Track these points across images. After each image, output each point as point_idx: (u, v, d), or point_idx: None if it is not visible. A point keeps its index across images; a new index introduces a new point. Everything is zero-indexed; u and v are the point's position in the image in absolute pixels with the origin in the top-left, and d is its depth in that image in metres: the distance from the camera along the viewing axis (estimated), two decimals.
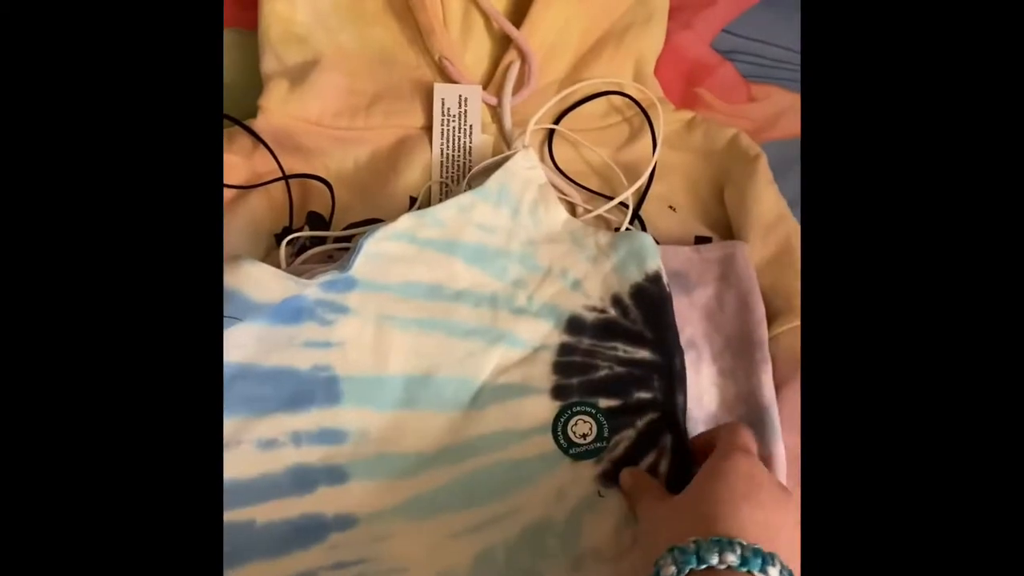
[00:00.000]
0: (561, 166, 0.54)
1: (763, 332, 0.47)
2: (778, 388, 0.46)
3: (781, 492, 0.37)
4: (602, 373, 0.45)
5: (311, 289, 0.43)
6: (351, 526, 0.41)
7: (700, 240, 0.53)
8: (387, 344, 0.44)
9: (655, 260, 0.46)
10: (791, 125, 0.58)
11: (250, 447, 0.41)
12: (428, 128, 0.54)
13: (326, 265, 0.46)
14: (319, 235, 0.50)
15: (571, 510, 0.42)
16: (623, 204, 0.52)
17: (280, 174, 0.51)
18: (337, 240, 0.50)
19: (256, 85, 0.54)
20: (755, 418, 0.45)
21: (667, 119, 0.55)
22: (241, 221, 0.50)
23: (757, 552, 0.33)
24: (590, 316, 0.46)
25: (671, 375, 0.45)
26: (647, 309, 0.46)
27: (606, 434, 0.44)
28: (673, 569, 0.33)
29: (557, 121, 0.55)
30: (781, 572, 0.33)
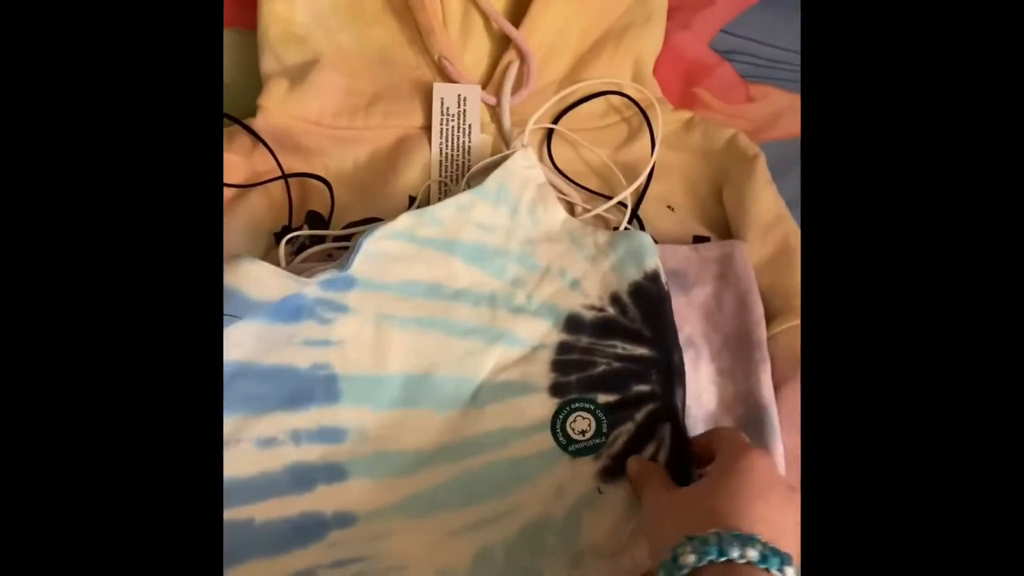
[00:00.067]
0: (560, 166, 0.54)
1: (762, 331, 0.47)
2: (777, 388, 0.46)
3: (790, 492, 0.37)
4: (600, 369, 0.45)
5: (310, 288, 0.43)
6: (350, 524, 0.41)
7: (698, 240, 0.53)
8: (386, 343, 0.44)
9: (653, 259, 0.47)
10: (789, 125, 0.58)
11: (249, 445, 0.41)
12: (427, 128, 0.54)
13: (325, 264, 0.46)
14: (318, 234, 0.50)
15: (570, 507, 0.42)
16: (622, 204, 0.52)
17: (279, 173, 0.51)
18: (336, 239, 0.50)
19: (255, 85, 0.54)
20: (754, 417, 0.45)
21: (666, 119, 0.55)
22: (240, 220, 0.50)
23: (775, 551, 0.32)
24: (589, 315, 0.46)
25: (669, 370, 0.45)
26: (645, 307, 0.46)
27: (605, 430, 0.44)
28: (693, 558, 0.33)
29: (556, 121, 0.55)
30: (797, 573, 0.32)
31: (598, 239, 0.48)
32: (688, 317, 0.48)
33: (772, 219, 0.52)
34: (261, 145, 0.51)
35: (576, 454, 0.44)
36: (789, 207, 0.52)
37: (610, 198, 0.52)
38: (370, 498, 0.42)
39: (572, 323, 0.46)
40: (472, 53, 0.56)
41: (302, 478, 0.41)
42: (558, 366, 0.45)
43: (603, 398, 0.45)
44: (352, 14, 0.55)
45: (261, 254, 0.50)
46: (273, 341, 0.42)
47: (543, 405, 0.44)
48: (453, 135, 0.53)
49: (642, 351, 0.45)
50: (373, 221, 0.51)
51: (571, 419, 0.44)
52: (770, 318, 0.49)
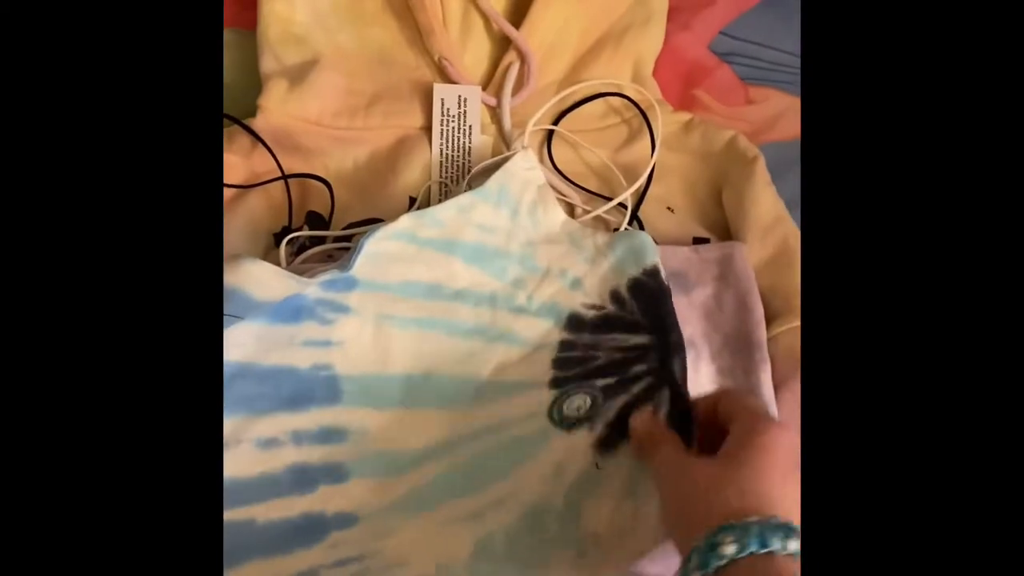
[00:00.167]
0: (560, 167, 0.54)
1: (762, 332, 0.48)
2: (777, 389, 0.46)
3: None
4: (600, 362, 0.45)
5: (311, 288, 0.43)
6: (352, 524, 0.41)
7: (698, 241, 0.53)
8: (387, 343, 0.44)
9: (653, 257, 0.46)
10: (789, 127, 0.58)
11: (250, 446, 0.41)
12: (427, 128, 0.54)
13: (326, 265, 0.46)
14: (318, 235, 0.50)
15: (568, 490, 0.42)
16: (622, 205, 0.52)
17: (279, 174, 0.51)
18: (336, 240, 0.50)
19: (255, 85, 0.54)
20: None
21: (665, 120, 0.55)
22: (240, 221, 0.50)
23: None
24: (589, 313, 0.46)
25: (668, 348, 0.44)
26: (645, 300, 0.46)
27: (600, 403, 0.43)
28: (734, 548, 0.31)
29: (556, 122, 0.55)
30: None
31: (598, 240, 0.48)
32: (688, 318, 0.48)
33: (771, 221, 0.52)
34: (260, 145, 0.51)
35: (570, 427, 0.43)
36: (788, 209, 0.53)
37: (610, 199, 0.52)
38: (371, 498, 0.42)
39: (573, 322, 0.46)
40: (472, 54, 0.56)
41: (303, 478, 0.41)
42: (559, 363, 0.45)
43: (601, 382, 0.44)
44: (352, 14, 0.55)
45: (261, 255, 0.50)
46: (273, 341, 0.42)
47: (542, 396, 0.44)
48: (453, 136, 0.53)
49: (640, 339, 0.45)
50: (373, 222, 0.51)
51: (568, 400, 0.44)
52: (770, 319, 0.49)
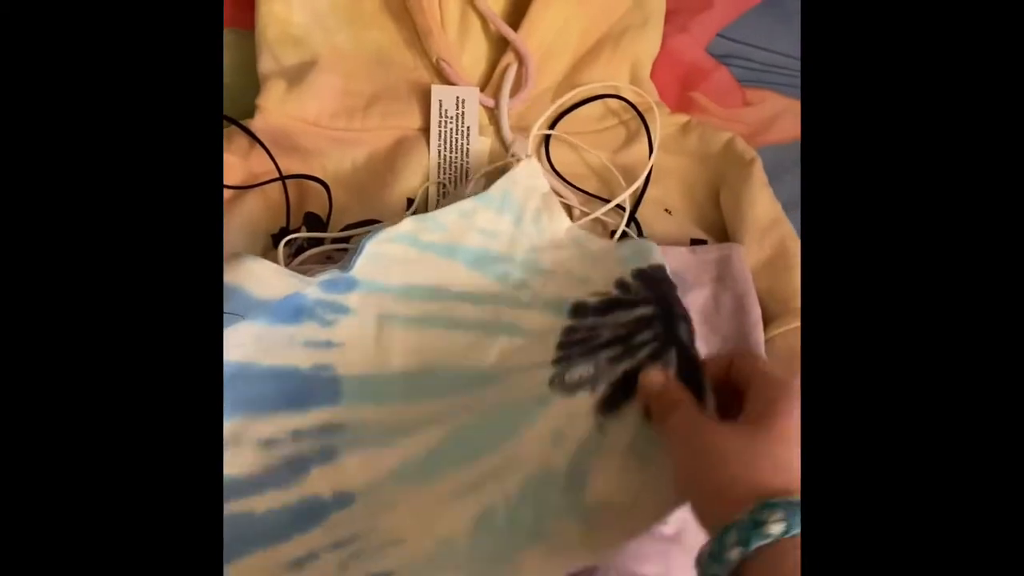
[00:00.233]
0: (558, 168, 0.54)
1: (759, 333, 0.48)
2: None
3: None
4: (604, 338, 0.43)
5: (311, 289, 0.43)
6: (350, 503, 0.40)
7: (696, 243, 0.53)
8: (388, 343, 0.44)
9: (660, 259, 0.45)
10: (786, 129, 0.58)
11: (251, 447, 0.41)
12: (425, 130, 0.54)
13: (325, 266, 0.46)
14: (316, 236, 0.50)
15: (572, 457, 0.40)
16: (619, 207, 0.53)
17: (277, 174, 0.51)
18: (334, 241, 0.50)
19: (253, 85, 0.54)
20: None
21: (663, 123, 0.55)
22: (238, 221, 0.50)
23: None
24: (593, 300, 0.45)
25: (672, 316, 0.42)
26: (648, 282, 0.44)
27: (604, 369, 0.41)
28: (781, 527, 0.29)
29: (554, 124, 0.55)
30: None
31: (604, 245, 0.48)
32: None
33: (769, 223, 0.52)
34: (258, 146, 0.51)
35: (571, 390, 0.41)
36: (785, 210, 0.53)
37: (608, 201, 0.52)
38: (365, 472, 0.41)
39: (577, 310, 0.45)
40: (470, 55, 0.56)
41: (296, 465, 0.41)
42: (564, 345, 0.44)
43: (605, 353, 0.42)
44: (350, 15, 0.55)
45: (258, 255, 0.50)
46: (273, 342, 0.42)
47: (544, 373, 0.42)
48: (451, 137, 0.53)
49: (645, 311, 0.43)
50: (371, 223, 0.51)
51: (570, 371, 0.42)
52: (767, 321, 0.49)
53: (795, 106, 0.59)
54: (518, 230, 0.47)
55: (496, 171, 0.49)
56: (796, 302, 0.50)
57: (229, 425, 0.41)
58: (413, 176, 0.52)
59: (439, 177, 0.53)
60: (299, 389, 0.42)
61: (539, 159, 0.55)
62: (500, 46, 0.56)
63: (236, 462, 0.40)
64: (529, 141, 0.52)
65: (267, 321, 0.42)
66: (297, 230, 0.51)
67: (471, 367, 0.44)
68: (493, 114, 0.55)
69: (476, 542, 0.39)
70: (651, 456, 0.38)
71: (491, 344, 0.45)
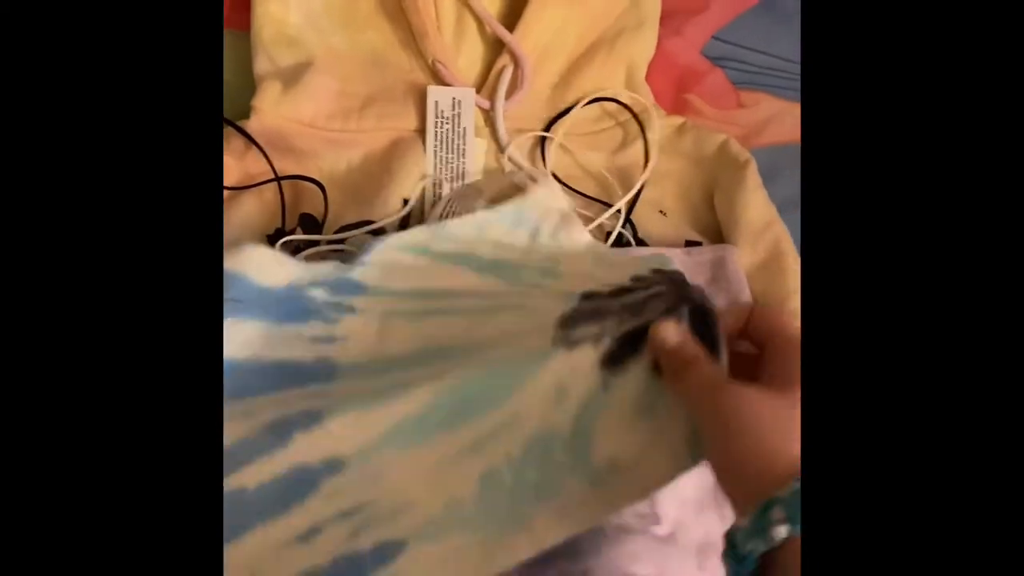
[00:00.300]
0: (554, 170, 0.54)
1: None
2: None
3: None
4: (614, 309, 0.40)
5: (319, 291, 0.43)
6: (340, 469, 0.39)
7: (690, 244, 0.53)
8: (389, 334, 0.43)
9: (677, 267, 0.43)
10: (779, 131, 0.59)
11: (233, 420, 0.39)
12: (421, 131, 0.54)
13: (327, 261, 0.45)
14: (312, 238, 0.50)
15: (576, 415, 0.38)
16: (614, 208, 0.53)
17: (272, 175, 0.51)
18: (330, 242, 0.50)
19: (249, 86, 0.54)
20: None
21: (658, 125, 0.55)
22: (233, 222, 0.50)
23: None
24: (607, 289, 0.42)
25: (685, 284, 0.39)
26: (664, 274, 0.42)
27: (610, 326, 0.38)
28: None
29: (550, 126, 0.55)
30: None
31: (624, 256, 0.47)
32: None
33: (763, 225, 0.52)
34: (254, 147, 0.51)
35: (574, 345, 0.38)
36: (780, 213, 0.53)
37: (603, 202, 0.52)
38: (353, 435, 0.39)
39: (589, 295, 0.42)
40: (466, 56, 0.56)
41: (277, 431, 0.39)
42: (570, 314, 0.41)
43: (614, 317, 0.39)
44: (346, 16, 0.55)
45: None
46: (280, 339, 0.42)
47: (547, 332, 0.39)
48: (447, 138, 0.53)
49: (658, 288, 0.40)
50: (366, 224, 0.51)
51: (574, 329, 0.39)
52: None
53: (789, 108, 0.59)
54: (534, 243, 0.47)
55: (509, 187, 0.48)
56: (790, 304, 0.50)
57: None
58: (409, 177, 0.52)
59: (435, 178, 0.53)
60: (295, 374, 0.42)
61: (533, 160, 0.55)
62: (496, 48, 0.56)
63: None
64: (550, 154, 0.52)
65: (275, 320, 0.42)
66: (293, 231, 0.51)
67: (471, 338, 0.42)
68: (489, 115, 0.55)
69: (484, 502, 0.37)
70: (659, 412, 0.37)
71: (495, 319, 0.43)
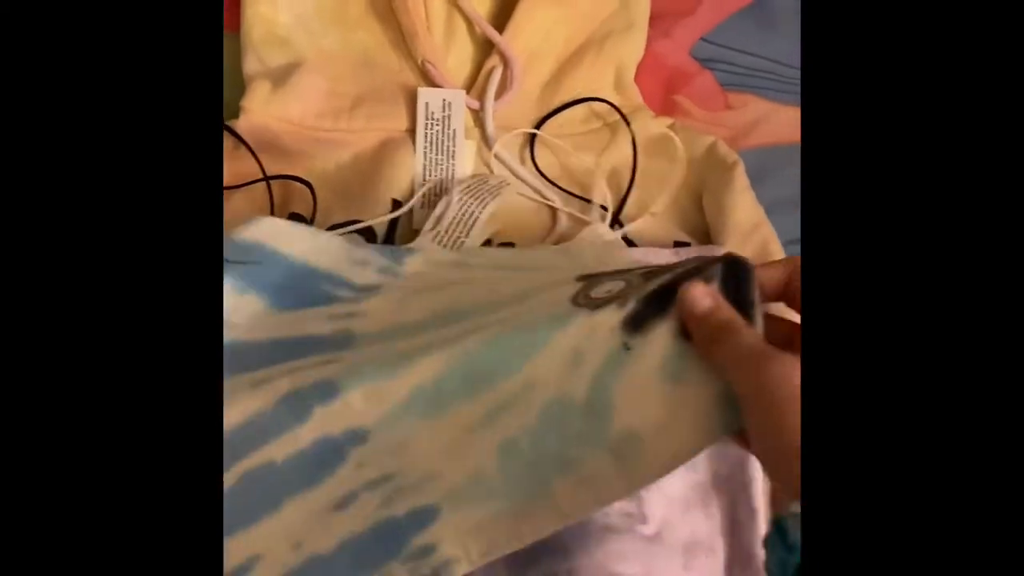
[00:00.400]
0: (543, 169, 0.55)
1: None
2: None
3: None
4: (637, 269, 0.39)
5: (344, 291, 0.44)
6: (364, 439, 0.38)
7: (679, 245, 0.53)
8: (409, 305, 0.43)
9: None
10: (768, 133, 0.59)
11: (244, 390, 0.39)
12: (411, 131, 0.54)
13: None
14: None
15: (592, 380, 0.35)
16: (604, 208, 0.53)
17: (261, 175, 0.51)
18: None
19: (238, 86, 0.54)
20: None
21: (646, 126, 0.56)
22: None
23: None
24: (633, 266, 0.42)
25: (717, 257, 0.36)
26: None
27: (636, 284, 0.36)
28: None
29: (539, 126, 0.55)
30: None
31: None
32: None
33: (750, 226, 0.53)
34: (243, 147, 0.51)
35: (595, 307, 0.36)
36: (768, 214, 0.53)
37: (592, 203, 0.53)
38: (372, 406, 0.38)
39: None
40: (455, 57, 0.56)
41: (294, 404, 0.39)
42: (592, 274, 0.39)
43: (639, 273, 0.37)
44: (336, 17, 0.55)
45: None
46: (303, 319, 0.43)
47: (567, 288, 0.38)
48: (437, 140, 0.53)
49: (688, 267, 0.38)
50: (354, 223, 0.51)
51: (597, 286, 0.37)
52: None
53: (777, 110, 0.60)
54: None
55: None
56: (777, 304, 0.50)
57: (229, 382, 0.40)
58: (398, 177, 0.52)
59: (425, 179, 0.53)
60: (313, 345, 0.41)
61: (523, 160, 0.55)
62: (485, 48, 0.56)
63: (235, 409, 0.39)
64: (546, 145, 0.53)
65: (300, 306, 0.43)
66: None
67: (489, 297, 0.41)
68: (478, 116, 0.55)
69: (505, 472, 0.36)
70: (685, 378, 0.34)
71: (509, 278, 0.42)
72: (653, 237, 0.54)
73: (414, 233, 0.51)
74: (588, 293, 0.37)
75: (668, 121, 0.57)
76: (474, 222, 0.49)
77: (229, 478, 0.38)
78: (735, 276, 0.34)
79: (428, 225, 0.49)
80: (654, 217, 0.55)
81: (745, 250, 0.52)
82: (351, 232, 0.50)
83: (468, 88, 0.55)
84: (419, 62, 0.54)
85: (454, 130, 0.53)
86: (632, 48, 0.57)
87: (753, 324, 0.32)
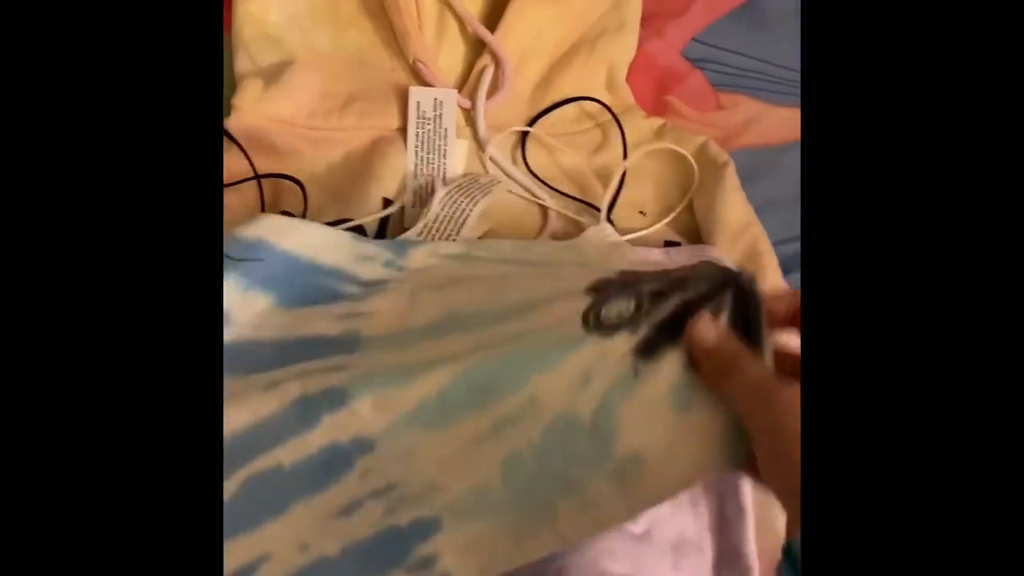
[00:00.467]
0: (534, 169, 0.55)
1: None
2: None
3: None
4: (648, 278, 0.38)
5: (351, 286, 0.44)
6: (371, 448, 0.38)
7: (669, 244, 0.53)
8: (417, 306, 0.43)
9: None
10: (759, 133, 0.59)
11: (256, 391, 0.39)
12: (402, 130, 0.54)
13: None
14: None
15: (599, 402, 0.35)
16: (595, 208, 0.53)
17: (252, 174, 0.51)
18: None
19: (230, 84, 0.54)
20: None
21: (638, 126, 0.56)
22: None
23: None
24: (643, 267, 0.42)
25: (729, 270, 0.37)
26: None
27: (647, 307, 0.36)
28: None
29: (530, 125, 0.55)
30: None
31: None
32: None
33: (741, 226, 0.53)
34: (234, 146, 0.51)
35: (607, 332, 0.36)
36: (758, 214, 0.53)
37: (584, 202, 0.53)
38: (378, 415, 0.38)
39: (624, 272, 0.40)
40: (447, 56, 0.56)
41: (304, 410, 0.39)
42: (600, 281, 0.39)
43: (648, 287, 0.37)
44: (327, 16, 0.55)
45: None
46: (309, 318, 0.43)
47: (576, 303, 0.38)
48: (429, 139, 0.53)
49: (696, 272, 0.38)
50: (345, 222, 0.51)
51: (607, 305, 0.37)
52: None
53: (768, 110, 0.60)
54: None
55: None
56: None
57: (234, 383, 0.40)
58: (389, 176, 0.52)
59: (416, 178, 0.53)
60: (322, 346, 0.41)
61: (515, 159, 0.55)
62: (477, 48, 0.56)
63: (245, 410, 0.39)
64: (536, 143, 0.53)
65: (303, 304, 0.43)
66: None
67: (496, 300, 0.41)
68: (470, 115, 0.55)
69: (508, 487, 0.36)
70: (691, 405, 0.34)
71: (517, 274, 0.42)
72: (644, 236, 0.54)
73: (404, 232, 0.51)
74: (598, 312, 0.37)
75: (659, 121, 0.57)
76: (464, 220, 0.49)
77: (237, 479, 0.39)
78: (745, 306, 0.34)
79: (419, 223, 0.49)
80: (645, 216, 0.55)
81: (735, 249, 0.52)
82: (343, 229, 0.49)
83: (460, 87, 0.55)
84: (411, 61, 0.54)
85: (445, 129, 0.53)
86: (624, 48, 0.58)
87: (762, 355, 0.33)
